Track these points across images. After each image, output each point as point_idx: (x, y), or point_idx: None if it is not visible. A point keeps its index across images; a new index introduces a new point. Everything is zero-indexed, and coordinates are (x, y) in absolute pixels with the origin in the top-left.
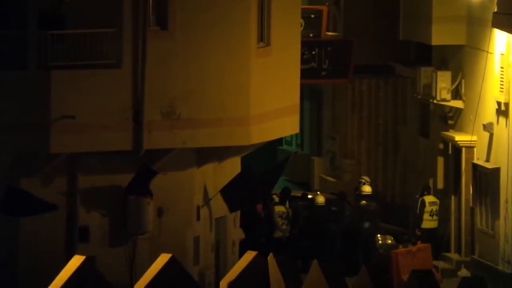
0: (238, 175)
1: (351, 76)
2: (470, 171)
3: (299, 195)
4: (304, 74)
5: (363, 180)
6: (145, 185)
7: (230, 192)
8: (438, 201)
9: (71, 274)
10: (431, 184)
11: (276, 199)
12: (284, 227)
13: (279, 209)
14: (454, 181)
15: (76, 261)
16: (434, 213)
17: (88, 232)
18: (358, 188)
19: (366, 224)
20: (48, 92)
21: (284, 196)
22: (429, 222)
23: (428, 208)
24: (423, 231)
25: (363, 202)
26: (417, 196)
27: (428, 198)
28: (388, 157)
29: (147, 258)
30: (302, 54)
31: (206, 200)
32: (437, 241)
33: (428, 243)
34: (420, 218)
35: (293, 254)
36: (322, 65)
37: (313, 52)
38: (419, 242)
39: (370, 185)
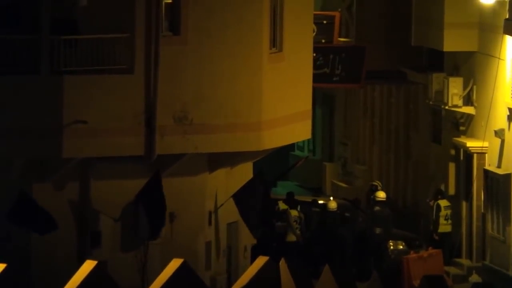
0: (250, 180)
1: (362, 81)
2: (481, 177)
3: (310, 200)
4: (316, 79)
5: (376, 184)
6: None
7: (242, 198)
8: (451, 205)
9: (83, 279)
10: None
11: (282, 205)
12: (298, 232)
13: (294, 213)
14: (466, 187)
15: (88, 266)
16: (449, 217)
17: (100, 237)
18: (371, 193)
19: (378, 230)
20: (61, 97)
21: (291, 201)
22: (444, 226)
23: (443, 212)
24: (440, 235)
25: (377, 208)
26: (428, 200)
27: (443, 202)
28: (400, 163)
29: (158, 263)
30: (316, 60)
31: (218, 205)
32: (451, 245)
33: (443, 248)
34: (437, 223)
35: (304, 259)
36: (335, 71)
37: (327, 58)
38: (430, 247)
39: (382, 190)
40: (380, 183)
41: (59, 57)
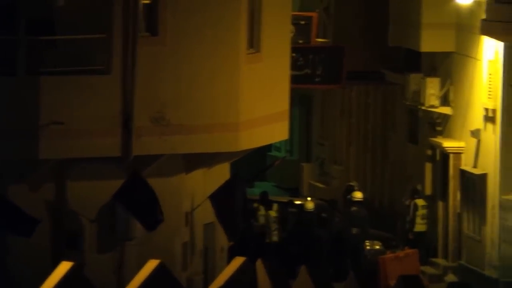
0: (227, 181)
1: (343, 82)
2: (457, 177)
3: (285, 201)
4: (299, 80)
5: (352, 185)
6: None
7: (219, 199)
8: (427, 205)
9: (58, 280)
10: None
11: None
12: (275, 232)
13: (272, 214)
14: (442, 187)
15: (64, 267)
16: (425, 216)
17: (76, 238)
18: (348, 194)
19: (355, 230)
20: (37, 98)
21: (266, 201)
22: (420, 226)
23: (420, 211)
24: (415, 235)
25: (354, 208)
26: (403, 200)
27: (420, 202)
28: (377, 163)
29: (135, 264)
30: (296, 60)
31: (195, 206)
32: (427, 245)
33: (418, 247)
34: (413, 222)
35: (281, 259)
36: (315, 71)
37: (307, 59)
38: (406, 247)
39: (359, 190)
40: (356, 184)
41: (35, 57)
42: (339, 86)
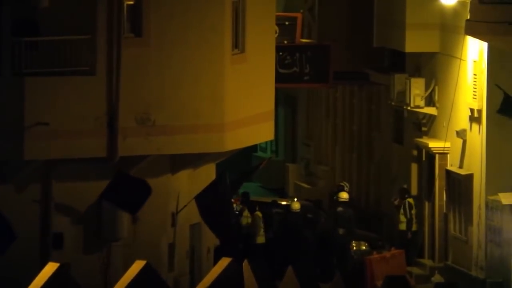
0: (213, 182)
1: (331, 80)
2: (443, 178)
3: (269, 201)
4: (287, 78)
5: (343, 185)
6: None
7: (204, 199)
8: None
9: (45, 281)
10: None
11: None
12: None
13: (259, 215)
14: (428, 187)
15: (50, 268)
16: (417, 215)
17: (63, 239)
18: (335, 194)
19: (341, 231)
20: (22, 99)
21: (247, 201)
22: (415, 225)
23: (414, 210)
24: (412, 234)
25: (340, 208)
26: (392, 200)
27: (412, 201)
28: (362, 164)
29: (121, 264)
30: (284, 59)
31: (181, 207)
32: (421, 244)
33: (414, 246)
34: (411, 221)
35: (267, 260)
36: (303, 70)
37: (294, 57)
38: (393, 248)
39: (348, 191)
40: (347, 184)
41: (20, 58)
42: (328, 85)
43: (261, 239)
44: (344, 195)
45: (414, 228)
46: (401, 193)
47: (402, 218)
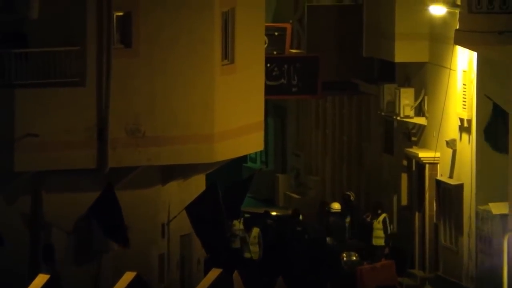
0: (203, 192)
1: (320, 91)
2: (433, 188)
3: (261, 212)
4: (275, 90)
5: (349, 194)
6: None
7: (195, 210)
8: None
9: None
10: (395, 201)
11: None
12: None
13: (256, 231)
14: (418, 197)
15: (40, 280)
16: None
17: (53, 250)
18: (345, 203)
19: (330, 240)
20: (12, 110)
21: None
22: (379, 240)
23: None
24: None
25: (332, 218)
26: (365, 216)
27: (386, 215)
28: (353, 174)
29: (111, 275)
30: (272, 71)
31: (171, 217)
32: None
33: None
34: (389, 236)
35: (258, 271)
36: (291, 81)
37: (282, 69)
38: (383, 258)
39: (353, 200)
40: (353, 194)
41: (10, 70)
42: (316, 96)
43: (247, 254)
44: (336, 206)
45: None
46: (374, 208)
47: (380, 233)
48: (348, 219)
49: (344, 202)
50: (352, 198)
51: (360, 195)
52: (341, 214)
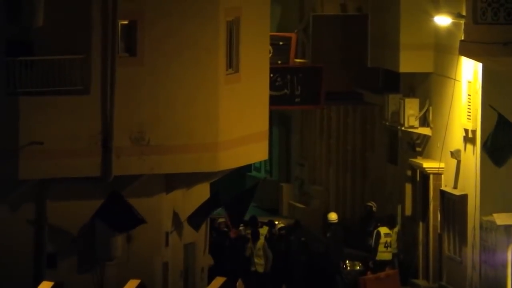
0: (206, 201)
1: (323, 102)
2: (438, 198)
3: (266, 221)
4: (278, 101)
5: (371, 205)
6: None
7: (198, 219)
8: (391, 233)
9: None
10: (399, 211)
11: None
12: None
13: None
14: (422, 207)
15: (45, 287)
16: (389, 244)
17: (57, 258)
18: (367, 214)
19: (332, 252)
20: (17, 118)
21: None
22: (383, 254)
23: (383, 239)
24: (377, 263)
25: (330, 229)
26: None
27: (383, 229)
28: (357, 184)
29: (115, 284)
30: (275, 81)
31: (175, 226)
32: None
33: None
34: (375, 250)
35: (262, 281)
36: (294, 92)
37: (285, 79)
38: (387, 268)
39: (373, 209)
40: (374, 204)
41: (15, 78)
42: (319, 106)
43: (259, 267)
44: (332, 216)
45: (381, 257)
46: (389, 221)
47: (383, 248)
48: (396, 229)
49: (367, 213)
50: (374, 208)
51: (364, 205)
52: (339, 225)
